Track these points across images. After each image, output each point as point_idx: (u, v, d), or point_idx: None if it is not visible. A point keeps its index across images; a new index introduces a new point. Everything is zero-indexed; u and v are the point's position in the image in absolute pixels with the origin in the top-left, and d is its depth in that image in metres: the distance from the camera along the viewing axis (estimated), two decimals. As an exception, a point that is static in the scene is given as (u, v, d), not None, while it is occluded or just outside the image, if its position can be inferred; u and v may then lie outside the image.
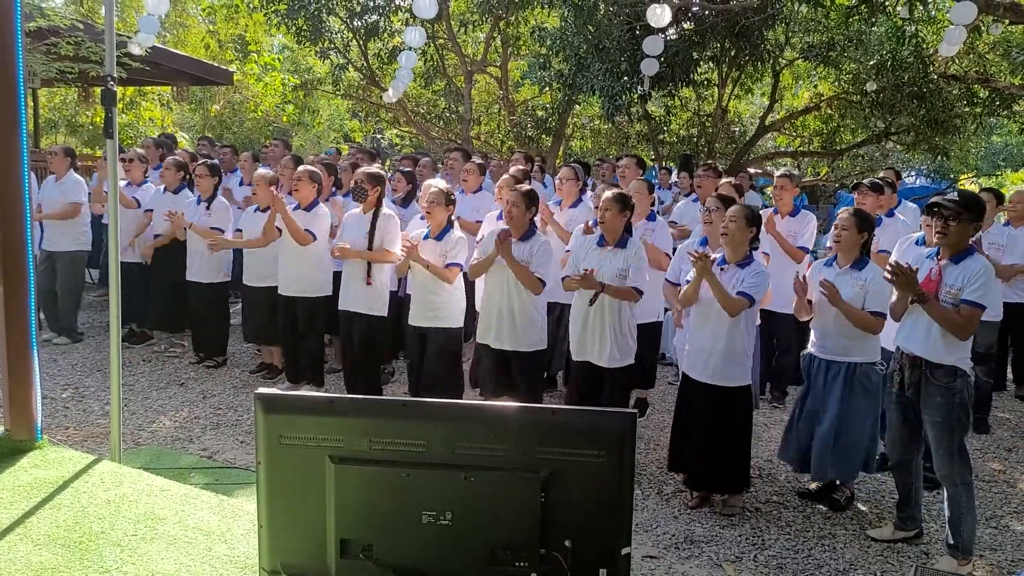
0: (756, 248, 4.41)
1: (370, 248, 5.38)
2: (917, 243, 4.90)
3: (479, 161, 7.34)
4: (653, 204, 5.97)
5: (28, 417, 3.96)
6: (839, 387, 4.31)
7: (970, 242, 3.77)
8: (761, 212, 6.28)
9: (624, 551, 1.80)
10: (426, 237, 5.17)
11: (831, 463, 4.35)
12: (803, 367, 4.56)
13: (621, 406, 4.74)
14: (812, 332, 4.52)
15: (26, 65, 3.89)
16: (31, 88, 12.11)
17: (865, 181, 6.00)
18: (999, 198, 6.61)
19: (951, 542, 3.76)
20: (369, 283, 5.43)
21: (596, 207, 5.40)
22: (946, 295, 3.69)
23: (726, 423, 4.28)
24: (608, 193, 4.74)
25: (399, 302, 5.94)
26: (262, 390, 1.88)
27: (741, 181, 6.57)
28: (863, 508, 4.54)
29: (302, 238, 5.71)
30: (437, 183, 5.49)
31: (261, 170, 6.50)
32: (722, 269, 4.28)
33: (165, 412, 5.64)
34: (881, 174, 7.53)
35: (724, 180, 6.04)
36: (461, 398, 5.15)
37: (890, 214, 6.06)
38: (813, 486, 4.65)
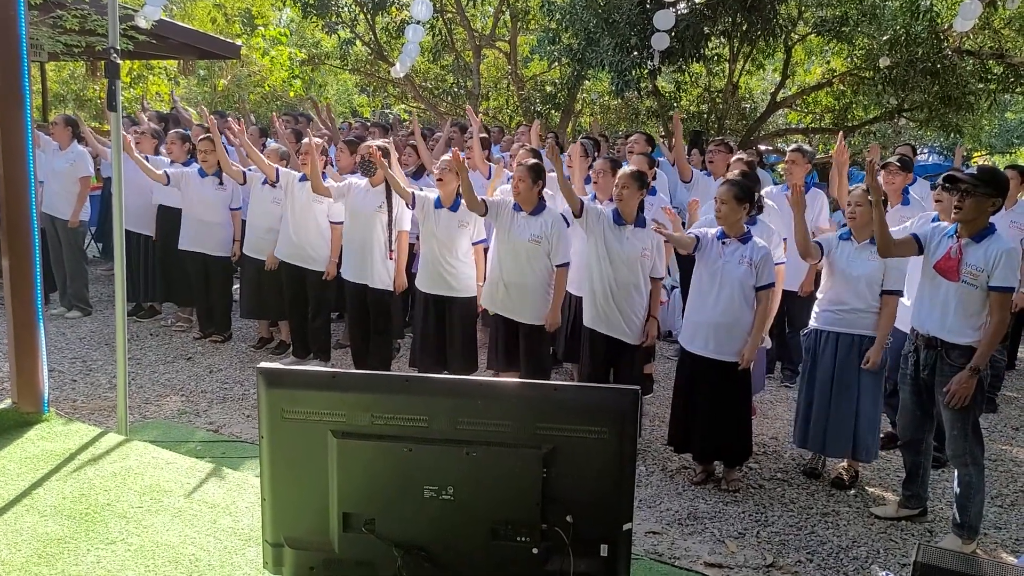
0: (755, 215, 4.47)
1: (389, 222, 5.41)
2: (933, 221, 4.83)
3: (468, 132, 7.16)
4: (654, 178, 5.95)
5: (35, 389, 4.00)
6: (849, 361, 4.30)
7: None
8: (772, 189, 6.29)
9: (625, 527, 1.80)
10: (438, 206, 5.14)
11: (846, 441, 4.35)
12: (806, 344, 4.51)
13: (640, 381, 4.91)
14: (818, 304, 4.48)
15: (31, 38, 3.87)
16: (38, 62, 12.05)
17: (892, 159, 5.80)
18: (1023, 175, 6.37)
19: (958, 521, 3.74)
20: (391, 257, 5.50)
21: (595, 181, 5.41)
22: (967, 275, 3.63)
23: (728, 396, 4.30)
24: (626, 169, 4.70)
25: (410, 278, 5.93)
26: (264, 364, 1.87)
27: (752, 157, 6.43)
28: (867, 486, 4.54)
29: (322, 190, 5.58)
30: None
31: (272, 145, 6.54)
32: (724, 243, 4.31)
33: (172, 386, 5.67)
34: (898, 150, 7.34)
35: (736, 157, 5.96)
36: (476, 368, 5.21)
37: (905, 190, 5.90)
38: (819, 464, 4.65)
